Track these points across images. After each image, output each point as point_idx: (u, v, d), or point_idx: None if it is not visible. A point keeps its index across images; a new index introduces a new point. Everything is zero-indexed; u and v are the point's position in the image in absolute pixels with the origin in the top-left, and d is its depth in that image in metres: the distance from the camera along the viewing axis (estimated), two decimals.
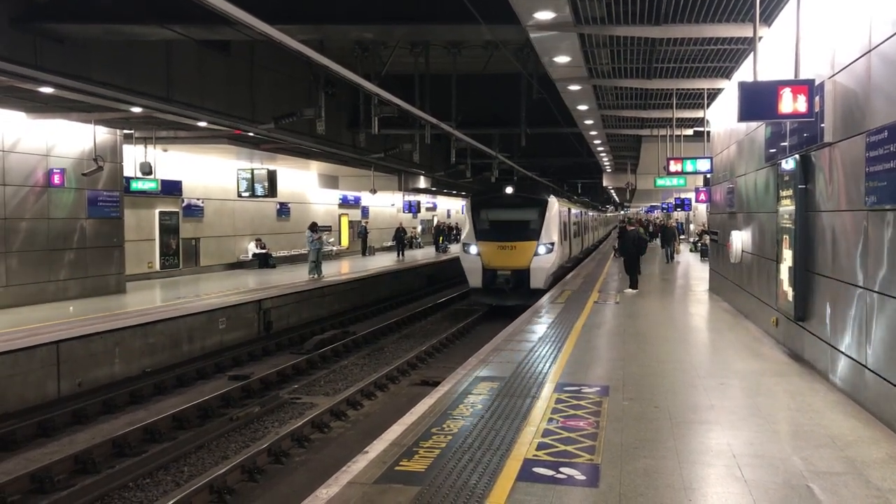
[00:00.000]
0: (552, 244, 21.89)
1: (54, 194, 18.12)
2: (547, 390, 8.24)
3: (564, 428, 6.78)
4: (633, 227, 21.67)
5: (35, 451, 10.54)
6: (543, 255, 21.65)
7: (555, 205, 22.81)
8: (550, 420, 7.04)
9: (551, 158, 37.83)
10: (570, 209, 28.05)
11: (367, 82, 12.69)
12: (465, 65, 21.94)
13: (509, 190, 23.40)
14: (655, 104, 19.25)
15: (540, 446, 6.25)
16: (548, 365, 9.63)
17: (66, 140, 18.47)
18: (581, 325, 13.13)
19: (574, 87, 16.25)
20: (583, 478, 5.54)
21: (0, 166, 16.66)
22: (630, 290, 18.45)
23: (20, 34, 14.43)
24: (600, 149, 30.29)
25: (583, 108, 19.10)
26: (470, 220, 22.70)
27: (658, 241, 35.80)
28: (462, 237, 23.50)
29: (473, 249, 22.05)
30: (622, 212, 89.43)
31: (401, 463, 5.89)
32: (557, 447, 6.22)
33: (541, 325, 13.07)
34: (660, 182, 23.24)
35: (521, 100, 23.42)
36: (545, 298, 17.75)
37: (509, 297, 21.29)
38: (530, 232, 21.98)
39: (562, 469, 5.70)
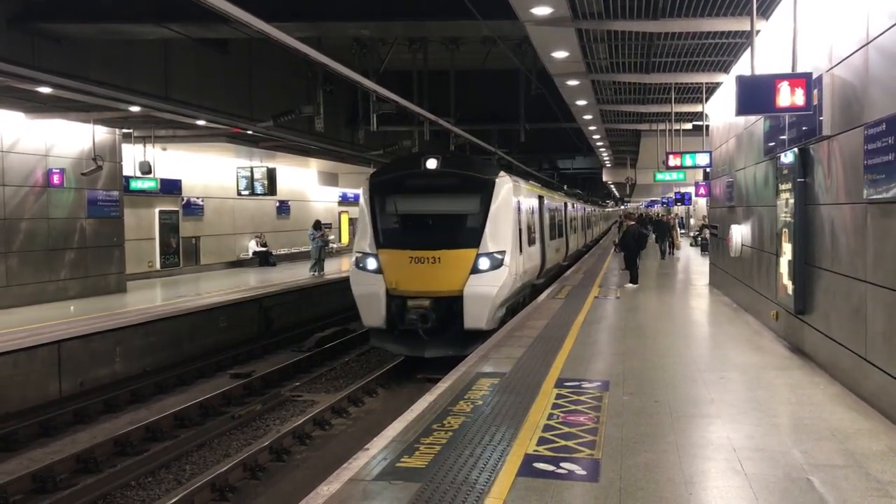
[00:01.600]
0: (503, 253, 13.66)
1: (54, 194, 18.13)
2: (547, 386, 8.25)
3: (565, 423, 6.79)
4: (632, 223, 21.51)
5: (37, 451, 10.56)
6: (488, 273, 13.45)
7: (507, 187, 14.42)
8: (551, 415, 7.05)
9: (552, 154, 37.76)
10: (541, 197, 20.06)
11: (366, 79, 12.69)
12: (464, 61, 21.97)
13: (432, 163, 14.24)
14: (654, 98, 19.25)
15: (540, 441, 6.26)
16: (548, 360, 9.63)
17: (65, 140, 18.47)
18: (581, 320, 13.14)
19: (572, 83, 16.25)
20: (583, 472, 5.55)
21: None
22: (630, 284, 18.46)
23: (18, 34, 14.44)
24: (599, 144, 30.29)
25: (581, 103, 19.10)
26: (368, 215, 14.27)
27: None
28: (355, 243, 14.67)
29: (371, 263, 13.84)
30: (622, 206, 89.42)
31: (402, 459, 5.90)
32: (558, 442, 6.23)
33: (541, 321, 13.08)
34: (659, 176, 23.25)
35: (519, 95, 23.43)
36: (545, 295, 17.65)
37: (429, 344, 13.46)
38: (466, 233, 13.85)
39: (562, 464, 5.71)
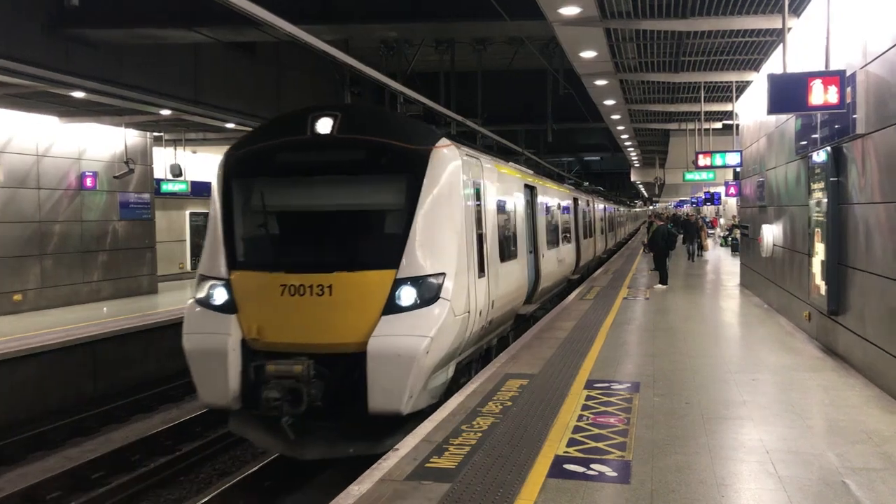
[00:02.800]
0: (441, 277, 8.28)
1: (87, 197, 18.40)
2: (577, 387, 8.21)
3: (595, 424, 6.75)
4: (661, 222, 21.31)
5: (73, 450, 10.73)
6: (414, 312, 8.08)
7: (453, 165, 8.86)
8: (581, 417, 7.02)
9: (580, 154, 37.52)
10: (532, 188, 14.77)
11: (393, 81, 12.73)
12: (491, 61, 21.94)
13: (325, 125, 8.73)
14: (683, 98, 19.09)
15: (570, 443, 6.23)
16: (577, 361, 9.58)
17: (98, 143, 18.74)
18: (611, 321, 13.06)
19: (600, 82, 16.16)
20: (614, 474, 5.52)
21: (35, 170, 16.95)
22: (660, 285, 18.31)
23: (52, 40, 14.66)
24: (628, 143, 30.11)
25: (609, 102, 18.99)
26: (219, 215, 8.90)
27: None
28: (200, 263, 9.11)
29: (218, 296, 8.57)
30: (651, 206, 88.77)
31: (431, 460, 5.90)
32: (588, 444, 6.20)
33: (569, 322, 13.02)
34: (689, 176, 23.04)
35: (547, 95, 23.37)
36: (573, 296, 17.51)
37: (311, 436, 7.99)
38: (377, 244, 8.73)
39: (593, 465, 5.68)
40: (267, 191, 8.71)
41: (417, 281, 8.08)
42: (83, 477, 9.32)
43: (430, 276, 8.15)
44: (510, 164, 13.96)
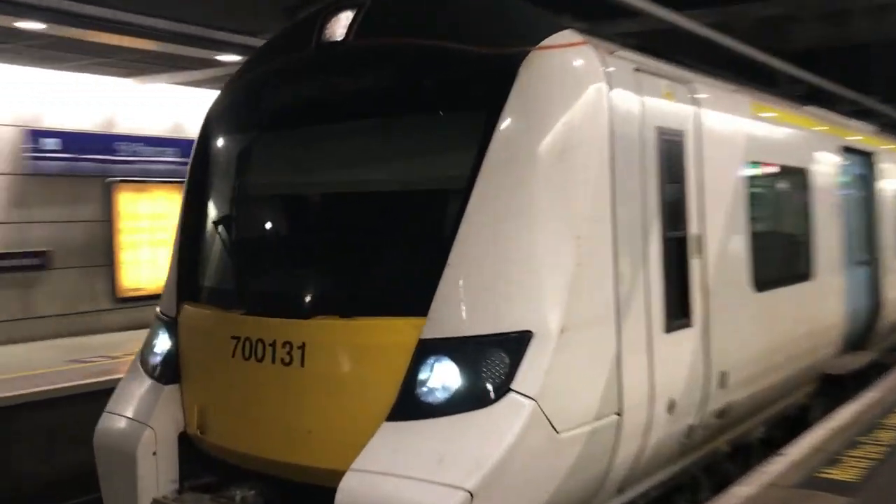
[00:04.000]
0: (522, 339, 3.86)
1: None
2: None
3: None
4: None
5: None
6: (450, 424, 3.79)
7: (578, 84, 4.35)
8: None
9: None
10: (861, 156, 9.64)
11: (777, 60, 12.02)
12: (891, 29, 19.60)
13: (339, 28, 4.64)
14: None
15: None
16: None
17: None
18: None
19: None
20: None
21: None
22: None
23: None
24: None
25: None
26: (182, 206, 5.54)
27: None
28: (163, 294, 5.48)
29: (159, 347, 5.20)
30: None
31: (823, 470, 5.54)
32: None
33: None
34: None
35: None
36: None
37: None
38: (390, 264, 4.59)
39: None
40: (241, 158, 5.32)
41: (463, 347, 3.93)
42: None
43: (492, 337, 3.93)
44: (803, 108, 8.47)
